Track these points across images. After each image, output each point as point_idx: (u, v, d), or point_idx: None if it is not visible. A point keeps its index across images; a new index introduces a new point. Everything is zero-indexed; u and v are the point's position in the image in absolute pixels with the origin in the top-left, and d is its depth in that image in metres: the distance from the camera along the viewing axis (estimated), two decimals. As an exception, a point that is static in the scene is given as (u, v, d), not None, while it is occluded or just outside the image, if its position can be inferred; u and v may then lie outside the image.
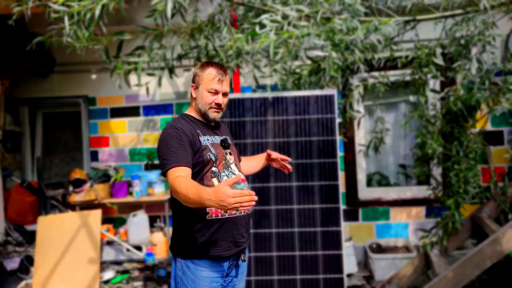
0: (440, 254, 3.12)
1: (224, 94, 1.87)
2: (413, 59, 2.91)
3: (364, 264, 3.98)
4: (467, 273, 2.63)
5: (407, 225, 4.08)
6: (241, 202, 1.41)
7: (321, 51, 2.77)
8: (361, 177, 4.18)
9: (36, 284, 3.33)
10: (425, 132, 3.01)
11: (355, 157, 4.11)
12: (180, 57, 3.26)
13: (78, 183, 3.99)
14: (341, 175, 3.30)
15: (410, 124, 3.15)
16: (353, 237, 4.03)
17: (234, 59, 2.80)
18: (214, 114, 1.87)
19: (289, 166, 2.07)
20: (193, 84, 1.89)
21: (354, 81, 3.35)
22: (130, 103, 4.38)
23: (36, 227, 3.56)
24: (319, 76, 2.98)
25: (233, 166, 1.89)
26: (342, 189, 3.57)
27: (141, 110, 4.38)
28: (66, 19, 2.49)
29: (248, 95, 3.05)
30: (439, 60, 2.74)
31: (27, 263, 3.75)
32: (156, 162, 4.30)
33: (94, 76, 4.44)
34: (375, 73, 3.29)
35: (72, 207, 4.06)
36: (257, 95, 3.03)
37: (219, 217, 1.77)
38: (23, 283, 3.55)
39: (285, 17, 2.43)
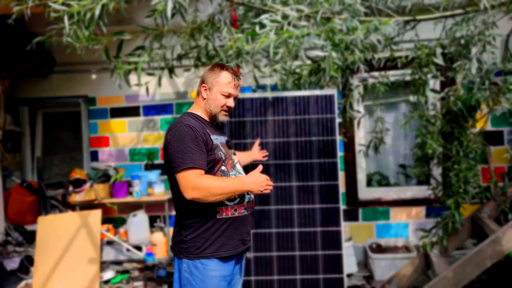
0: (440, 254, 3.12)
1: (234, 98, 1.91)
2: (413, 59, 2.91)
3: (364, 264, 3.98)
4: (467, 273, 2.63)
5: (407, 225, 4.08)
6: (270, 186, 1.77)
7: (321, 51, 2.77)
8: (361, 177, 4.18)
9: (36, 284, 3.33)
10: (425, 132, 3.00)
11: (355, 157, 4.11)
12: (180, 57, 3.26)
13: (78, 183, 3.99)
14: (341, 175, 3.30)
15: (410, 124, 3.14)
16: (353, 237, 4.03)
17: (234, 59, 2.80)
18: (223, 117, 1.90)
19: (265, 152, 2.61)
20: (205, 85, 1.90)
21: (354, 81, 3.36)
22: (130, 103, 4.38)
23: (36, 227, 3.56)
24: (319, 76, 2.98)
25: (238, 166, 1.94)
26: (342, 189, 3.57)
27: (141, 110, 4.38)
28: (66, 18, 2.48)
29: (248, 95, 3.05)
30: (439, 60, 2.74)
31: (27, 263, 3.75)
32: (156, 162, 4.30)
33: (94, 76, 4.44)
34: (375, 73, 3.29)
35: (72, 207, 4.06)
36: (257, 95, 3.03)
37: (229, 215, 1.79)
38: (23, 283, 3.54)
39: (285, 17, 2.43)
